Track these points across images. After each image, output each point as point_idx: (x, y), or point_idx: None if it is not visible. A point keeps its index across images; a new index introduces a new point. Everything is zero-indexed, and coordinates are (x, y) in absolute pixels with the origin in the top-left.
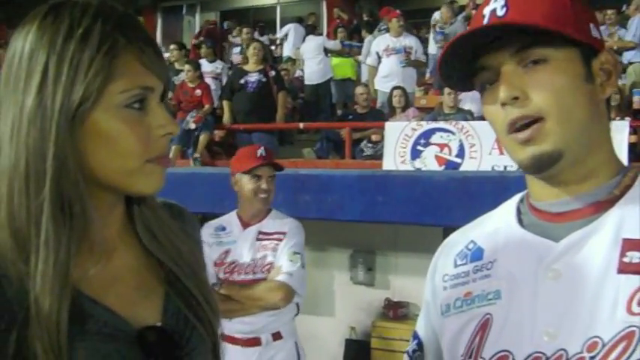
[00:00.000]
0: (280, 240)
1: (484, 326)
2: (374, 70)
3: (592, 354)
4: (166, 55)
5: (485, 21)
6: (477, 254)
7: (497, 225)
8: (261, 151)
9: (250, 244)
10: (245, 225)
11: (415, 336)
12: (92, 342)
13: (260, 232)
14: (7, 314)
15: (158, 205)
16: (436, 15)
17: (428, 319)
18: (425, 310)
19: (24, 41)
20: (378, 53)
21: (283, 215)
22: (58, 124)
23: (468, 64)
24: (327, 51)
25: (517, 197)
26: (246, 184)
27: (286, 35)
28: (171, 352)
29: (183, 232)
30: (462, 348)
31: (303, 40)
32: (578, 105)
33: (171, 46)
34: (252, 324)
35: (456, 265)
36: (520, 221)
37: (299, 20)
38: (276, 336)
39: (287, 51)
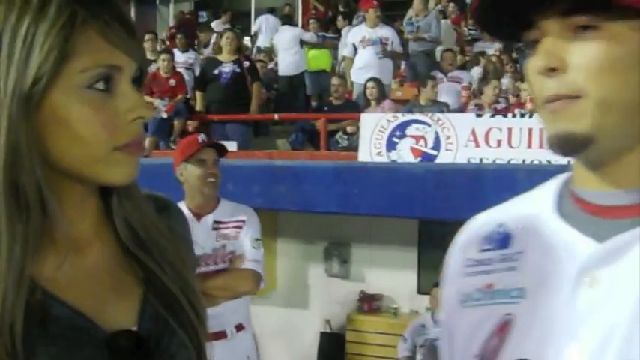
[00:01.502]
0: (240, 227)
1: (504, 328)
2: (350, 61)
3: None
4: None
5: None
6: (505, 240)
7: (531, 210)
8: (202, 137)
9: (207, 235)
10: (197, 216)
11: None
12: (56, 346)
13: (215, 222)
14: None
15: (141, 198)
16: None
17: (446, 305)
18: (444, 294)
19: None
20: (354, 44)
21: (235, 203)
22: (11, 106)
23: (516, 15)
24: (302, 43)
25: (560, 179)
26: (192, 171)
27: (259, 28)
28: (146, 359)
29: (169, 228)
30: (476, 348)
31: (277, 30)
32: (627, 87)
33: (147, 36)
34: (216, 317)
35: (480, 250)
36: (559, 209)
37: (270, 11)
38: (239, 327)
39: (261, 42)
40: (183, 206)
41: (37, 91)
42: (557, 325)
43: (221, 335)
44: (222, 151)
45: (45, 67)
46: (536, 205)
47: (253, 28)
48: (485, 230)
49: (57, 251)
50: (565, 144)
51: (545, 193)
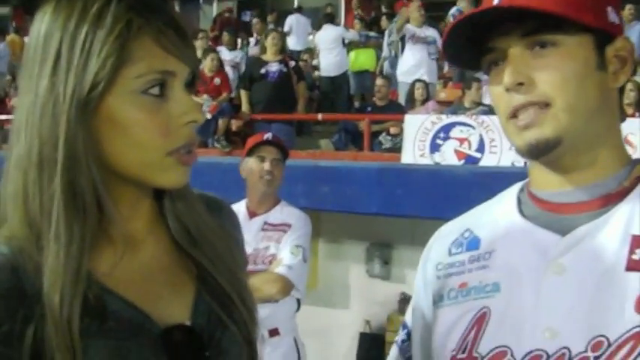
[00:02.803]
0: (285, 232)
1: (480, 320)
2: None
3: (596, 354)
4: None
5: (496, 0)
6: (473, 243)
7: (495, 214)
8: (268, 135)
9: (254, 234)
10: (251, 214)
11: (404, 325)
12: (112, 339)
13: (266, 223)
14: (23, 309)
15: (194, 198)
16: (453, 11)
17: (418, 310)
18: (415, 298)
19: (40, 25)
20: (402, 39)
21: (291, 207)
22: (69, 110)
23: (475, 43)
24: (345, 42)
25: (517, 186)
26: (250, 166)
27: (290, 28)
28: (199, 354)
29: (220, 227)
30: (454, 342)
31: (318, 28)
32: (585, 93)
33: (200, 34)
34: None
35: (450, 254)
36: (521, 211)
37: (298, 9)
38: (273, 332)
39: (292, 44)
40: (243, 202)
41: (94, 97)
42: (530, 312)
43: None
44: (286, 154)
45: (102, 74)
46: (500, 210)
47: (285, 29)
48: (453, 237)
49: (113, 248)
50: (536, 149)
51: (507, 199)
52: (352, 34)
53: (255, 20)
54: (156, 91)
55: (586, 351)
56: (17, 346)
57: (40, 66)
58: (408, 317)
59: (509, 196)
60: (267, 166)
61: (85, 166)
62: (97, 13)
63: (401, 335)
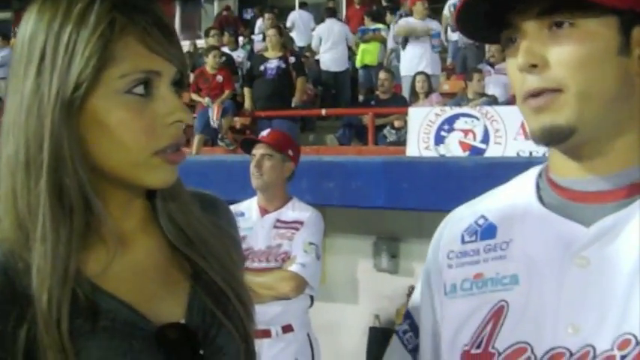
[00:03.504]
0: (297, 229)
1: (498, 314)
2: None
3: (623, 352)
4: (200, 42)
5: None
6: (488, 231)
7: (512, 200)
8: (262, 133)
9: (267, 232)
10: (263, 212)
11: (407, 315)
12: (106, 339)
13: (278, 220)
14: (16, 310)
15: (187, 196)
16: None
17: (426, 299)
18: (422, 287)
19: (25, 26)
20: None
21: (303, 204)
22: (54, 111)
23: (493, 16)
24: (348, 42)
25: (535, 170)
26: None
27: (293, 24)
28: (194, 352)
29: (215, 225)
30: (467, 337)
31: (311, 26)
32: (603, 79)
33: (212, 32)
34: (261, 314)
35: (463, 242)
36: (540, 198)
37: (302, 5)
38: (287, 328)
39: (298, 40)
40: (254, 199)
41: (78, 97)
42: (552, 307)
43: (263, 334)
44: (281, 146)
45: (85, 74)
46: (517, 196)
47: (287, 24)
48: (466, 223)
49: (105, 248)
50: (549, 135)
51: (524, 185)
52: (352, 38)
53: (268, 15)
54: (140, 90)
55: (612, 349)
56: (10, 347)
57: (25, 67)
58: (411, 307)
59: (527, 181)
60: (253, 163)
61: (71, 167)
62: (80, 13)
63: (403, 325)
